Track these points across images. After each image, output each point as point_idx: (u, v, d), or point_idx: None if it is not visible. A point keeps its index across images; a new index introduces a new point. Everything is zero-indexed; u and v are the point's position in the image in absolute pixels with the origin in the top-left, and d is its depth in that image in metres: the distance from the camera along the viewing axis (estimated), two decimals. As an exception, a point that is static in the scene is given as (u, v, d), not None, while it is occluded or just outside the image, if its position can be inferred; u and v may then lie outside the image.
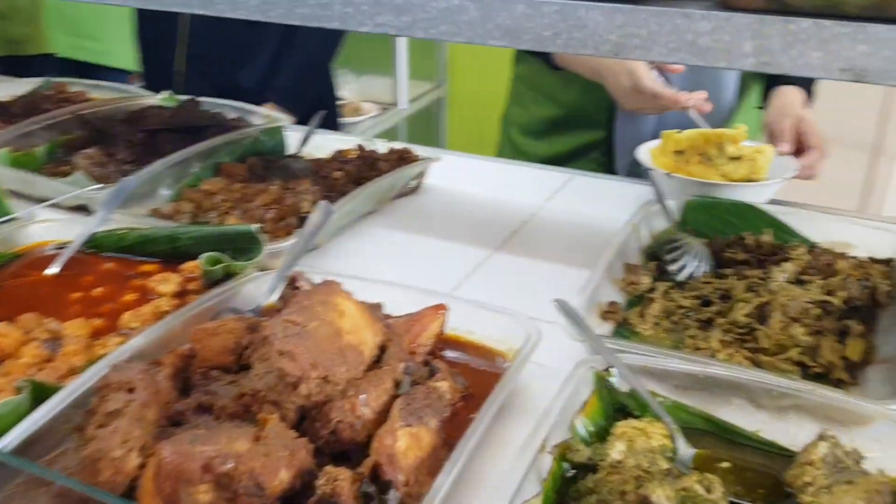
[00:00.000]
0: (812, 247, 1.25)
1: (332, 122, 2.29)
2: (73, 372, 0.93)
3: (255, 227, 1.20)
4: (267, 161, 1.63)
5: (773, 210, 1.34)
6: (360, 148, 1.67)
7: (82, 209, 1.45)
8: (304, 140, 1.72)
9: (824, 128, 3.13)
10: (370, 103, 3.77)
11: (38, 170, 1.58)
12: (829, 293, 1.11)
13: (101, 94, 2.05)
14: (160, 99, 1.91)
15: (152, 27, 2.40)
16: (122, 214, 1.32)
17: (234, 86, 2.24)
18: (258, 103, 1.99)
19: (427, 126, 4.24)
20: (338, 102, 2.56)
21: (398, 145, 1.67)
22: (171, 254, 1.23)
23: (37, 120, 1.70)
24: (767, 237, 1.28)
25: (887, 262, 1.20)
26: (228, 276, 1.15)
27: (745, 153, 1.40)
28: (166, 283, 1.13)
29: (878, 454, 0.83)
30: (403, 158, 1.62)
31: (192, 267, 1.17)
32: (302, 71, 2.48)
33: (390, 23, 1.09)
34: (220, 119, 1.80)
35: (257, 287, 1.12)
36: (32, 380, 0.84)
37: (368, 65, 3.85)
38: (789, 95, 1.77)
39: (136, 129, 1.69)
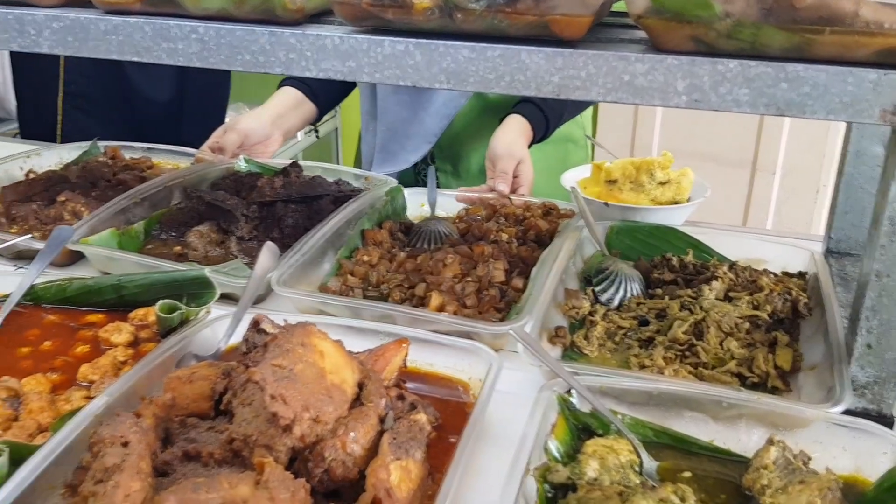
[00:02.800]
0: (732, 264, 1.35)
1: None
2: (42, 430, 0.91)
3: (208, 269, 1.20)
4: (403, 225, 1.57)
5: (691, 231, 1.44)
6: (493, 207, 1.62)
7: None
8: (433, 202, 1.63)
9: (708, 148, 3.28)
10: (267, 137, 3.74)
11: (141, 250, 1.48)
12: (756, 308, 1.21)
13: (158, 158, 1.93)
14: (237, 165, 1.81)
15: (31, 72, 2.33)
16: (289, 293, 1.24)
17: (122, 128, 2.21)
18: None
19: (324, 156, 4.24)
20: None
21: (523, 199, 1.64)
22: (116, 303, 1.21)
23: (131, 194, 1.54)
24: (690, 257, 1.37)
25: (801, 275, 1.32)
26: (181, 322, 1.15)
27: (672, 177, 1.50)
28: (119, 332, 1.11)
29: (820, 454, 0.92)
30: (549, 212, 1.57)
31: (142, 314, 1.16)
32: (203, 112, 2.48)
33: (335, 68, 1.12)
34: (326, 184, 1.71)
35: (213, 331, 1.12)
36: (9, 441, 0.82)
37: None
38: (514, 131, 1.77)
39: (249, 202, 1.56)
